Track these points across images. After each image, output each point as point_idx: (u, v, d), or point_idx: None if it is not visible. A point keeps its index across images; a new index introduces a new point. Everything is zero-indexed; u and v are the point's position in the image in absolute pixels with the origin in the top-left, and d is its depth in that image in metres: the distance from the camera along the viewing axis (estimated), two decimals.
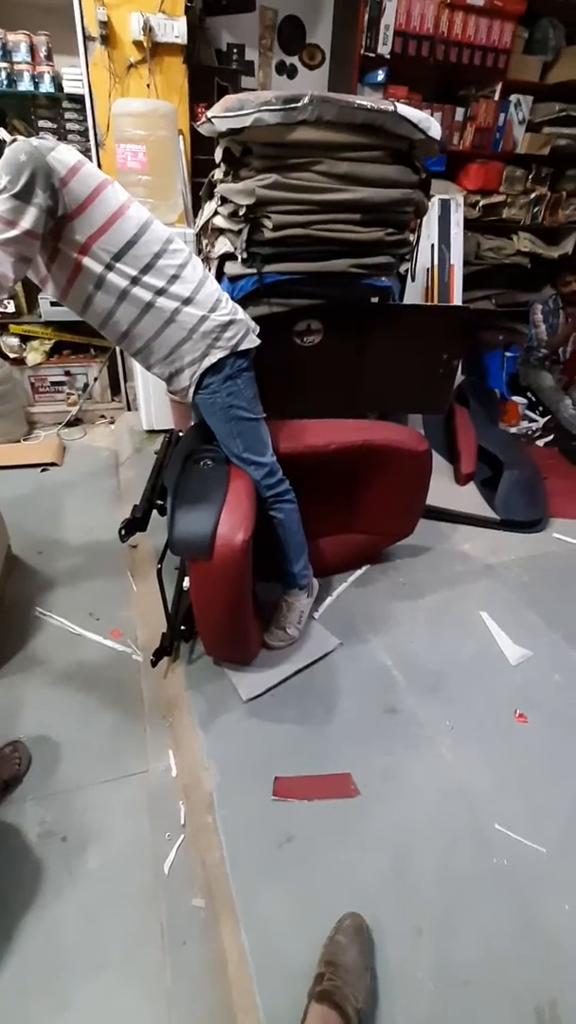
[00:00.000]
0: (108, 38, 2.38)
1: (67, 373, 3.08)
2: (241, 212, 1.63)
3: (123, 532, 1.71)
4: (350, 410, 1.99)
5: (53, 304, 2.72)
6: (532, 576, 2.05)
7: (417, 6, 2.58)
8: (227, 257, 1.77)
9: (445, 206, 2.88)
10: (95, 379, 3.12)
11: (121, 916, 1.14)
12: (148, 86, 2.51)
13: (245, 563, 1.33)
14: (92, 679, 1.65)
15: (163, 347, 1.34)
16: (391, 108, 1.55)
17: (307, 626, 1.72)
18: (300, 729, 1.45)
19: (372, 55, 2.63)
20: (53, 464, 2.73)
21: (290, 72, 2.98)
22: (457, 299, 2.95)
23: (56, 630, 1.80)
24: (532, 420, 3.20)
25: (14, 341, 2.94)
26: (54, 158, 1.08)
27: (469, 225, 3.02)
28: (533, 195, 3.15)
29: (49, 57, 2.50)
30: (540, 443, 3.01)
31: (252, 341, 1.41)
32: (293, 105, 1.49)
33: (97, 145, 2.60)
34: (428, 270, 2.89)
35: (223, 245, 1.79)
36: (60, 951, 1.08)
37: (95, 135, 2.57)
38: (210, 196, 1.86)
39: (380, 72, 2.68)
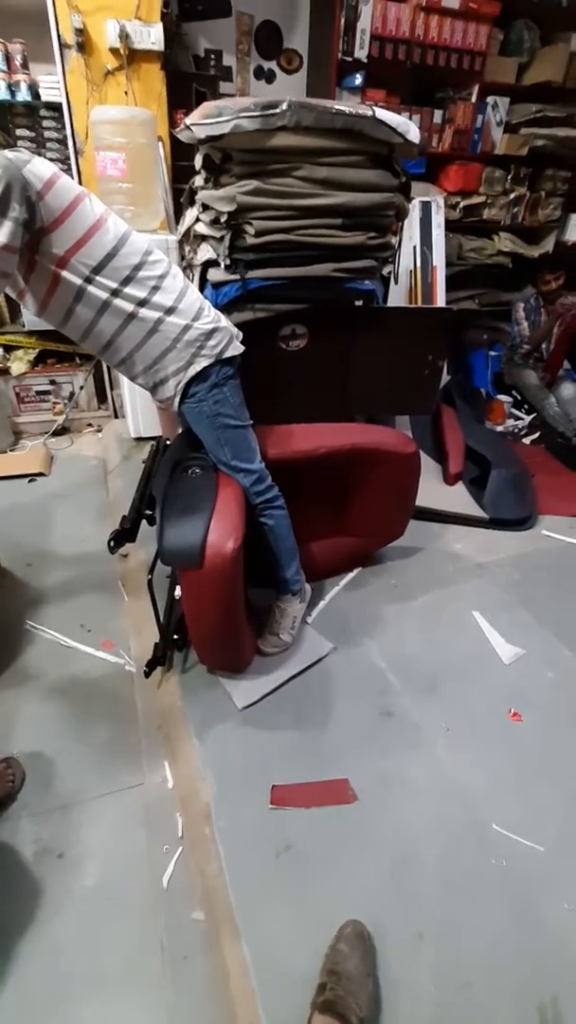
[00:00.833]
0: (84, 45, 2.37)
1: (52, 382, 3.06)
2: (223, 219, 1.63)
3: (112, 544, 1.70)
4: (338, 413, 1.99)
5: None
6: (523, 574, 2.06)
7: (393, 10, 2.60)
8: (210, 264, 1.76)
9: (426, 208, 2.89)
10: (81, 387, 3.10)
11: (121, 932, 1.13)
12: (126, 93, 2.50)
13: (236, 571, 1.32)
14: (85, 692, 1.63)
15: (147, 357, 1.33)
16: (369, 113, 1.55)
17: (300, 631, 1.72)
18: (296, 735, 1.45)
19: (349, 59, 2.64)
20: (40, 474, 2.71)
21: (268, 77, 2.98)
22: (441, 300, 2.97)
23: (47, 643, 1.78)
24: (518, 418, 3.23)
25: None
26: (30, 171, 1.07)
27: (450, 226, 3.05)
28: (513, 195, 3.18)
29: (25, 65, 2.49)
30: (526, 441, 3.04)
31: (236, 348, 1.41)
32: (271, 111, 1.49)
33: (76, 153, 2.58)
34: (411, 272, 2.91)
35: (206, 252, 1.78)
36: (60, 969, 1.07)
37: (74, 143, 2.56)
38: (191, 203, 1.86)
39: (358, 76, 2.69)
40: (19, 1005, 1.02)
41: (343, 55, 2.62)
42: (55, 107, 2.53)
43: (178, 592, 1.45)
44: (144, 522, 1.82)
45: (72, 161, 2.59)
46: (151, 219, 2.52)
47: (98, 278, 1.20)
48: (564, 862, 1.20)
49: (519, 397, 3.29)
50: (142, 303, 1.25)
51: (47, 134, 2.61)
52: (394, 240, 1.93)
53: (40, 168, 1.08)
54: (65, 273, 1.17)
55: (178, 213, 2.14)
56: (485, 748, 1.44)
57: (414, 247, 2.89)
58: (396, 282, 2.26)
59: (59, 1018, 1.01)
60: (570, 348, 3.09)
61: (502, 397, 3.29)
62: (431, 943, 1.06)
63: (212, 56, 2.86)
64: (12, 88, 2.48)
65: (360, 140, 1.61)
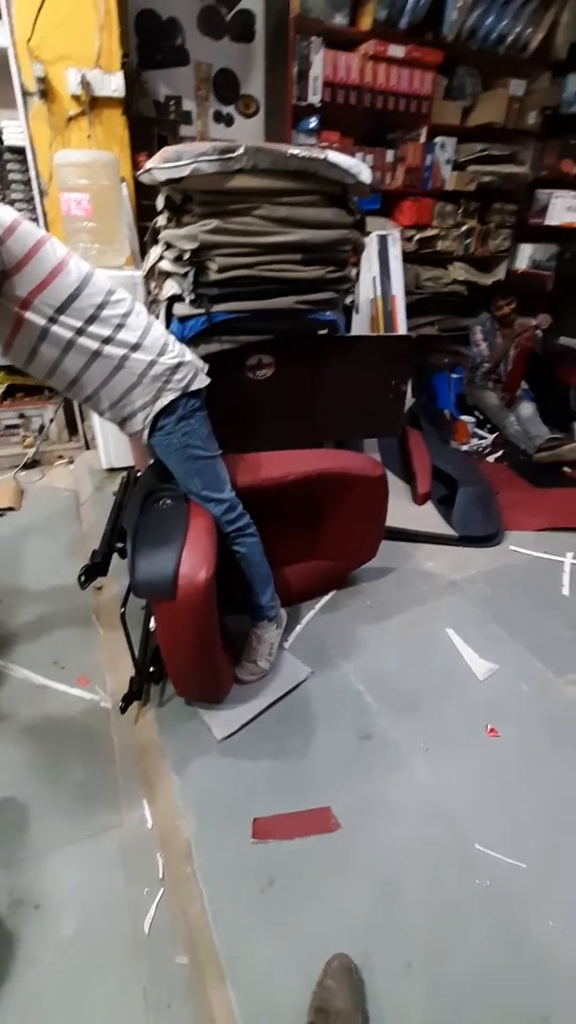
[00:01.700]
0: (47, 93, 2.44)
1: (21, 416, 3.04)
2: (186, 256, 1.68)
3: (83, 579, 1.68)
4: (306, 439, 2.04)
5: None
6: (494, 589, 2.11)
7: (342, 59, 2.75)
8: (175, 298, 1.81)
9: (383, 241, 3.02)
10: (51, 420, 3.09)
11: (102, 982, 1.09)
12: (88, 137, 2.57)
13: (210, 600, 1.32)
14: (59, 731, 1.59)
15: (113, 393, 1.35)
16: (322, 156, 1.64)
17: (278, 657, 1.72)
18: (277, 764, 1.43)
19: (304, 104, 2.77)
20: (10, 509, 2.67)
21: (227, 121, 3.10)
22: (402, 327, 3.07)
23: (19, 683, 1.73)
24: (481, 437, 3.33)
25: None
26: None
27: (407, 258, 3.18)
28: (464, 228, 3.35)
29: None
30: (490, 459, 3.13)
31: (202, 381, 1.44)
32: (229, 155, 1.56)
33: (41, 193, 2.63)
34: (372, 301, 3.01)
35: (170, 287, 1.82)
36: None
37: (38, 184, 2.61)
38: (155, 242, 1.91)
39: (312, 119, 2.82)
40: None
41: (298, 100, 2.75)
42: (19, 151, 2.58)
43: (153, 624, 1.44)
44: (116, 555, 1.81)
45: (36, 201, 2.63)
46: (116, 256, 2.57)
47: (62, 318, 1.22)
48: (546, 878, 1.21)
49: (481, 417, 3.41)
50: (106, 340, 1.27)
51: (11, 176, 2.65)
52: (353, 272, 2.01)
53: (1, 214, 1.11)
54: (28, 314, 1.19)
55: (143, 250, 2.19)
56: (464, 766, 1.45)
57: (374, 278, 3.01)
58: (358, 311, 2.34)
59: None
60: (526, 368, 3.22)
61: (465, 417, 3.40)
62: (419, 971, 1.05)
63: (172, 102, 2.96)
64: None
65: (315, 181, 1.69)
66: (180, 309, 1.77)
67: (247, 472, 1.66)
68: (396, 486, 2.61)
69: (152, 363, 1.33)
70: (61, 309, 1.21)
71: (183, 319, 1.77)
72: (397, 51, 2.76)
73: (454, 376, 3.57)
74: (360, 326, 2.91)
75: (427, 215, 3.21)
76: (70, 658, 1.83)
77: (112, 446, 2.81)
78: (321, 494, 1.79)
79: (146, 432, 1.42)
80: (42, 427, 3.08)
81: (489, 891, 1.18)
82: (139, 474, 1.90)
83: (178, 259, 1.73)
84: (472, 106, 3.17)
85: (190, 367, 1.40)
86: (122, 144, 2.63)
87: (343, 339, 2.11)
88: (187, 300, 1.73)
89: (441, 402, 3.53)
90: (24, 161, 2.59)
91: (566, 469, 2.97)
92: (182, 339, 1.66)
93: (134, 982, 1.08)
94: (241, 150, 1.56)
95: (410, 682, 1.69)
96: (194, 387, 1.41)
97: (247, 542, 1.57)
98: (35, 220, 2.61)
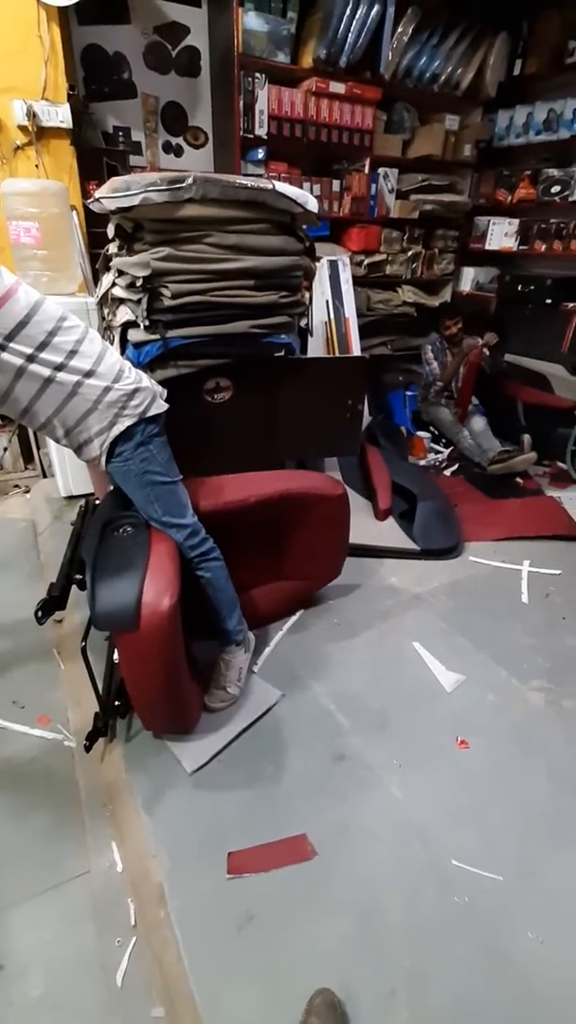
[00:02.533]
0: None
1: None
2: (138, 283, 1.68)
3: (39, 614, 1.62)
4: (267, 461, 2.04)
5: None
6: (457, 601, 2.15)
7: (286, 94, 2.85)
8: (130, 324, 1.80)
9: (334, 266, 3.11)
10: (5, 449, 3.00)
11: None
12: (37, 166, 2.56)
13: (174, 629, 1.30)
14: (19, 776, 1.51)
15: (67, 420, 1.32)
16: (270, 186, 1.68)
17: (247, 681, 1.69)
18: (250, 793, 1.40)
19: (251, 136, 2.85)
20: None
21: (176, 151, 3.15)
22: (356, 348, 3.16)
23: None
24: (437, 452, 3.42)
25: None
26: None
27: (358, 282, 3.28)
28: (410, 253, 3.49)
29: None
30: (447, 472, 3.22)
31: (160, 407, 1.43)
32: (178, 186, 1.58)
33: None
34: (326, 323, 3.08)
35: (124, 313, 1.82)
36: None
37: None
38: (107, 268, 1.90)
39: (260, 151, 2.90)
40: None
41: (245, 132, 2.83)
42: None
43: (116, 656, 1.40)
44: (75, 586, 1.76)
45: None
46: (68, 283, 2.55)
47: (11, 345, 1.20)
48: (523, 889, 1.21)
49: (436, 432, 3.51)
50: (59, 367, 1.26)
51: None
52: (306, 297, 2.06)
53: None
54: None
55: (96, 277, 2.18)
56: (436, 780, 1.45)
57: (327, 301, 3.08)
58: (312, 335, 2.39)
59: None
60: (476, 384, 3.35)
61: (421, 433, 3.49)
62: (403, 998, 1.03)
63: (121, 132, 2.99)
64: None
65: (264, 210, 1.73)
66: (135, 335, 1.76)
67: (208, 496, 1.65)
68: (358, 503, 2.65)
69: (107, 389, 1.32)
70: (10, 336, 1.19)
71: (138, 345, 1.76)
72: (338, 87, 2.89)
73: (408, 393, 3.68)
74: (315, 348, 2.97)
75: (374, 241, 3.33)
76: (30, 696, 1.75)
77: (71, 473, 2.75)
78: (283, 515, 1.80)
79: (103, 458, 1.39)
80: None
81: (468, 908, 1.17)
82: (98, 502, 1.86)
83: (131, 286, 1.73)
84: (411, 139, 3.33)
85: (147, 392, 1.40)
86: (71, 173, 2.64)
87: (299, 361, 2.14)
88: (142, 326, 1.73)
89: (397, 419, 3.62)
90: None
91: (518, 480, 3.08)
92: (138, 365, 1.66)
93: None
94: (190, 180, 1.58)
95: (380, 698, 1.70)
96: (151, 412, 1.40)
97: (211, 567, 1.55)
98: None
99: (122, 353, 1.75)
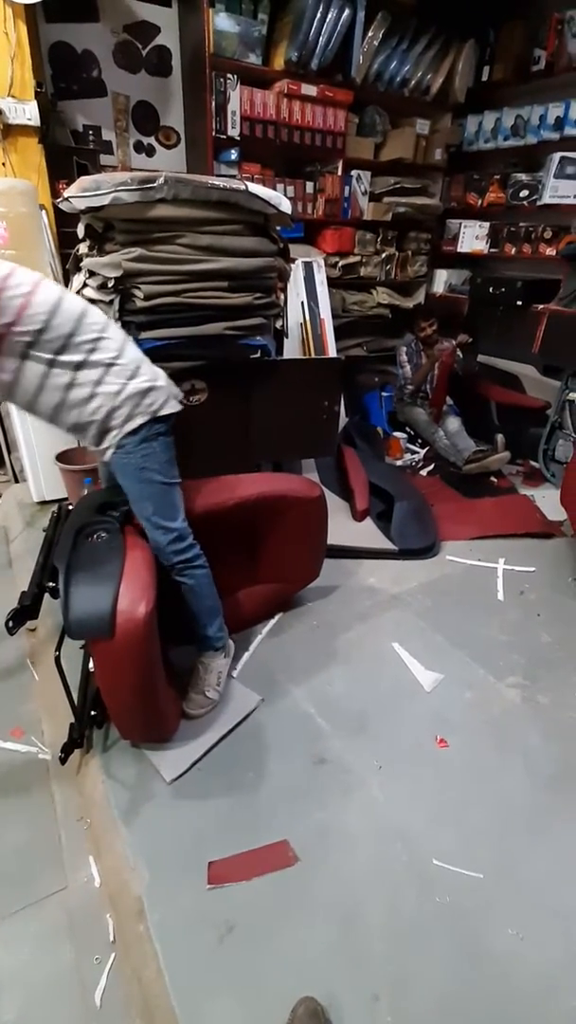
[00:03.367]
0: None
1: None
2: (110, 284, 1.66)
3: (10, 623, 1.57)
4: (243, 464, 2.03)
5: None
6: (433, 600, 2.16)
7: (258, 95, 2.84)
8: None
9: (309, 267, 3.11)
10: None
11: None
12: (3, 164, 2.50)
13: (151, 636, 1.27)
14: None
15: (82, 416, 1.32)
16: (243, 187, 1.67)
17: (226, 687, 1.67)
18: (230, 801, 1.38)
19: (223, 137, 2.83)
20: None
21: (148, 151, 3.12)
22: (331, 349, 3.16)
23: None
24: (413, 452, 3.45)
25: None
26: None
27: (332, 283, 3.29)
28: (384, 255, 3.52)
29: None
30: (423, 472, 3.25)
31: (173, 407, 1.42)
32: (149, 185, 1.56)
33: None
34: (302, 325, 3.08)
35: None
36: None
37: None
38: (77, 269, 1.87)
39: (233, 151, 2.89)
40: None
41: (217, 133, 2.81)
42: None
43: (92, 665, 1.37)
44: (48, 595, 1.71)
45: None
46: None
47: (32, 352, 1.21)
48: (502, 886, 1.22)
49: (412, 432, 3.54)
50: (79, 366, 1.26)
51: None
52: (280, 298, 2.05)
53: None
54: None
55: (67, 277, 2.14)
56: (417, 780, 1.46)
57: (302, 302, 3.08)
58: (287, 336, 2.39)
59: None
60: (450, 385, 3.39)
61: (397, 434, 3.52)
62: (386, 1002, 1.03)
63: (91, 131, 2.94)
64: None
65: (237, 211, 1.72)
66: None
67: (186, 499, 1.62)
68: (335, 504, 2.65)
69: (123, 386, 1.31)
70: (32, 344, 1.20)
71: None
72: (310, 90, 2.89)
73: (384, 394, 3.70)
74: (291, 350, 2.97)
75: (348, 243, 3.35)
76: (2, 708, 1.70)
77: (43, 478, 2.69)
78: (260, 518, 1.79)
79: (110, 451, 1.37)
80: None
81: (449, 907, 1.18)
82: (71, 507, 1.82)
83: (102, 287, 1.70)
84: (383, 143, 3.36)
85: (162, 392, 1.39)
86: (40, 172, 2.58)
87: (275, 363, 2.13)
88: None
89: (374, 419, 3.64)
90: None
91: (493, 479, 3.13)
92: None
93: None
94: (161, 180, 1.56)
95: (360, 700, 1.70)
96: (164, 412, 1.38)
97: (196, 573, 1.53)
98: None
99: None
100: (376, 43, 2.94)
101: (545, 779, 1.47)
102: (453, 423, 3.35)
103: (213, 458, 2.00)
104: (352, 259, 3.40)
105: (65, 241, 2.62)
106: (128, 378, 1.32)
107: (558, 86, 2.97)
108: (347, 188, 3.25)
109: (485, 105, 3.34)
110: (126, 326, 1.69)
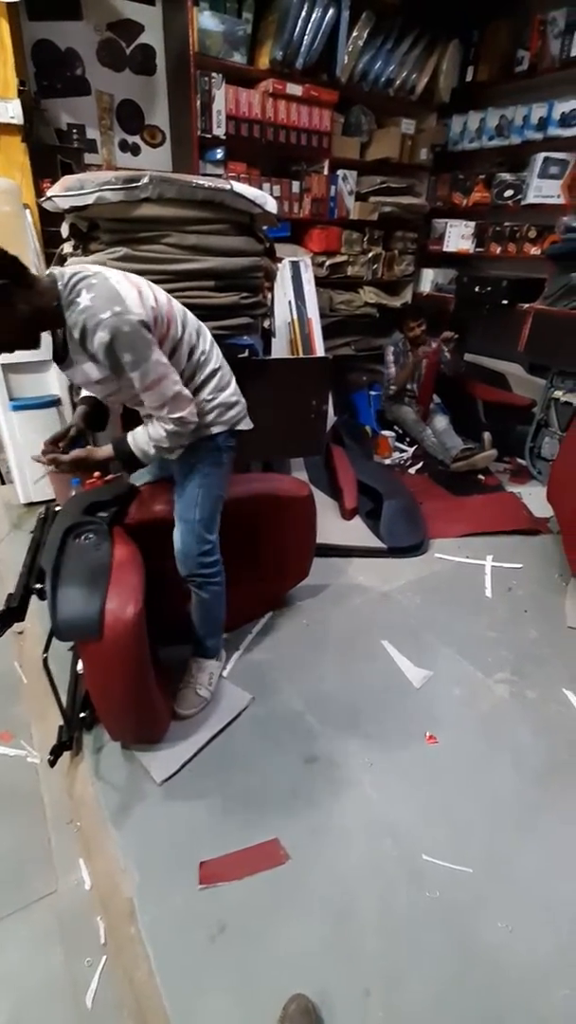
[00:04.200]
0: None
1: None
2: None
3: None
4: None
5: None
6: (423, 597, 2.18)
7: (244, 95, 2.83)
8: None
9: (296, 267, 3.11)
10: None
11: None
12: None
13: (140, 637, 1.27)
14: None
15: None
16: (228, 187, 1.67)
17: (217, 686, 1.67)
18: (222, 801, 1.38)
19: (209, 136, 2.82)
20: None
21: (133, 150, 3.10)
22: (319, 348, 3.16)
23: None
24: (402, 450, 3.47)
25: None
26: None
27: (320, 283, 3.29)
28: (371, 254, 3.53)
29: None
30: (412, 471, 3.27)
31: (247, 424, 1.47)
32: (133, 185, 1.55)
33: None
34: (289, 324, 3.08)
35: None
36: None
37: None
38: None
39: (219, 151, 2.88)
40: None
41: (203, 132, 2.80)
42: None
43: (80, 667, 1.36)
44: (35, 597, 1.70)
45: None
46: None
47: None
48: (492, 880, 1.24)
49: (401, 431, 3.56)
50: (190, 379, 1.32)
51: None
52: (267, 298, 2.05)
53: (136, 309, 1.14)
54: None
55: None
56: (407, 777, 1.47)
57: (289, 302, 3.08)
58: (275, 335, 2.39)
59: None
60: (437, 384, 3.41)
61: (386, 432, 3.53)
62: (378, 998, 1.03)
63: (75, 130, 2.92)
64: None
65: (223, 210, 1.72)
66: None
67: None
68: (324, 503, 2.65)
69: (214, 396, 1.37)
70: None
71: None
72: (295, 89, 2.89)
73: (372, 393, 3.72)
74: (279, 349, 2.97)
75: (335, 242, 3.35)
76: None
77: (30, 478, 2.67)
78: (250, 518, 1.78)
79: (179, 450, 1.38)
80: None
81: (439, 902, 1.19)
82: (58, 508, 1.81)
83: None
84: (369, 142, 3.37)
85: (242, 408, 1.46)
86: (23, 171, 2.56)
87: (263, 363, 2.13)
88: None
89: (362, 418, 3.65)
90: None
91: (480, 477, 3.15)
92: None
93: None
94: (146, 179, 1.55)
95: (350, 698, 1.70)
96: (240, 427, 1.45)
97: (213, 589, 1.55)
98: None
99: None
100: (361, 43, 2.94)
101: (533, 774, 1.49)
102: (441, 421, 3.37)
103: None
104: (339, 258, 3.41)
105: (49, 241, 2.60)
106: (221, 389, 1.38)
107: (541, 86, 3.00)
108: (333, 188, 3.25)
109: (470, 105, 3.35)
110: None
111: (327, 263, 3.36)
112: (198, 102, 2.72)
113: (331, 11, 2.75)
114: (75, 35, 2.77)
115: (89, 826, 1.36)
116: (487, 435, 3.15)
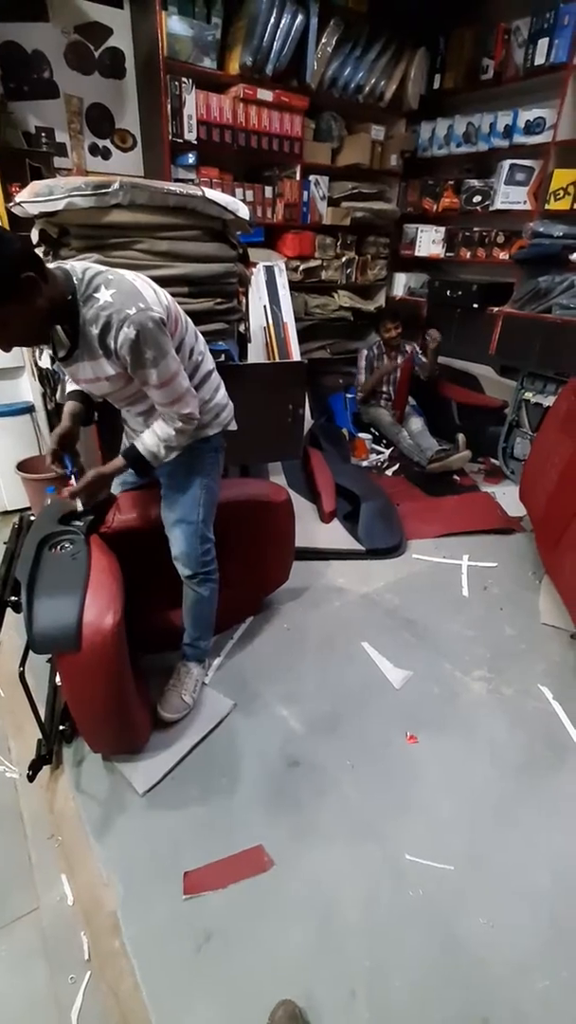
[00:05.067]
0: None
1: None
2: None
3: None
4: None
5: None
6: (401, 598, 2.20)
7: (215, 100, 2.83)
8: None
9: (270, 271, 3.12)
10: None
11: None
12: None
13: (119, 647, 1.26)
14: None
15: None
16: (200, 193, 1.67)
17: (199, 693, 1.67)
18: (205, 809, 1.38)
19: (180, 140, 2.81)
20: None
21: (104, 154, 3.06)
22: (295, 351, 3.18)
23: None
24: (379, 452, 3.51)
25: None
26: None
27: (294, 287, 3.31)
28: (344, 259, 3.56)
29: None
30: (389, 472, 3.30)
31: (234, 426, 1.51)
32: (104, 191, 1.54)
33: None
34: (265, 328, 3.09)
35: None
36: None
37: None
38: None
39: (190, 155, 2.87)
40: None
41: (174, 137, 2.79)
42: None
43: (59, 679, 1.34)
44: (10, 609, 1.67)
45: None
46: None
47: None
48: (473, 877, 1.26)
49: (377, 433, 3.59)
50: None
51: None
52: (242, 303, 2.06)
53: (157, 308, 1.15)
54: None
55: None
56: (388, 777, 1.48)
57: (264, 306, 3.09)
58: (251, 340, 2.39)
59: None
60: (413, 386, 3.46)
61: (362, 435, 3.56)
62: (363, 998, 1.04)
63: (44, 133, 2.87)
64: None
65: (195, 216, 1.72)
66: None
67: (153, 507, 1.61)
68: (303, 506, 2.67)
69: (212, 397, 1.40)
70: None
71: None
72: (266, 95, 2.90)
73: (349, 396, 3.75)
74: (255, 354, 2.97)
75: (309, 247, 3.37)
76: None
77: (3, 485, 2.62)
78: (228, 523, 1.77)
79: (175, 452, 1.38)
80: None
81: (422, 900, 1.20)
82: (33, 518, 1.78)
83: None
84: (340, 148, 3.40)
85: (232, 409, 1.50)
86: None
87: (238, 367, 2.13)
88: None
89: (339, 421, 3.68)
90: None
91: (455, 477, 3.21)
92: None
93: None
94: (116, 185, 1.55)
95: (331, 700, 1.71)
96: (231, 428, 1.50)
97: (211, 586, 1.57)
98: None
99: (51, 364, 1.68)
100: (330, 49, 2.97)
101: (511, 769, 1.52)
102: (416, 423, 3.42)
103: None
104: (313, 263, 3.43)
105: None
106: (216, 390, 1.41)
107: (506, 94, 3.07)
108: (306, 193, 3.27)
109: (438, 112, 3.42)
110: None
111: (301, 267, 3.38)
112: (169, 107, 2.71)
113: (300, 17, 2.77)
114: (42, 37, 2.73)
115: (70, 840, 1.34)
116: (461, 436, 3.20)
